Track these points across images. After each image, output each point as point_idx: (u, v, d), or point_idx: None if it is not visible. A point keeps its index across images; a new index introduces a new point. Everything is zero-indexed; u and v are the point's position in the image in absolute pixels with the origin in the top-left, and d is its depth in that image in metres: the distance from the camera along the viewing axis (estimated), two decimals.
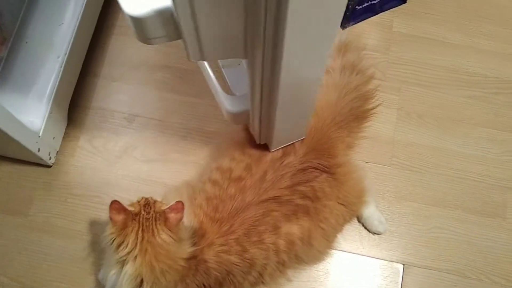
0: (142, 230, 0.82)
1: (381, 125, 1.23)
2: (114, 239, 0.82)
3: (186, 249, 0.85)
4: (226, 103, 0.92)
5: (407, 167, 1.20)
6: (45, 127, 1.10)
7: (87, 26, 1.25)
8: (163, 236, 0.82)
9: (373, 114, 1.13)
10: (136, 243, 0.81)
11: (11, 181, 1.17)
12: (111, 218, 0.82)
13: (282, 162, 0.95)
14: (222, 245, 0.89)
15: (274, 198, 0.93)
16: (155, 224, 0.82)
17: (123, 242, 0.82)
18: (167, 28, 0.63)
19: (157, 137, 1.22)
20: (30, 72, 1.15)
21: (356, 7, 1.29)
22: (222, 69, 1.16)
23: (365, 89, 1.12)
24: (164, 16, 0.61)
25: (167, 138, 1.22)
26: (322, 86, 1.01)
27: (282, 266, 0.98)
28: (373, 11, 1.34)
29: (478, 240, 1.14)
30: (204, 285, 0.89)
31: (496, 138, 1.23)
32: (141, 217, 0.83)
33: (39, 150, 1.09)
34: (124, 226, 0.82)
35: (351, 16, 1.31)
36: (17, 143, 1.00)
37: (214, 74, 0.98)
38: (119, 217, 0.82)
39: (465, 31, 1.35)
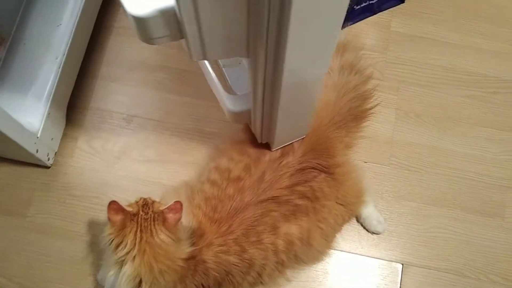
0: (141, 230, 0.82)
1: (379, 124, 1.23)
2: (113, 239, 0.82)
3: (185, 249, 0.85)
4: (228, 103, 0.92)
5: (405, 166, 1.20)
6: (43, 128, 1.10)
7: (85, 26, 1.25)
8: (162, 236, 0.82)
9: (371, 114, 1.13)
10: (135, 244, 0.81)
11: (9, 182, 1.17)
12: (109, 219, 0.82)
13: (280, 162, 0.95)
14: (220, 245, 0.89)
15: (273, 198, 0.93)
16: (154, 225, 0.82)
17: (121, 242, 0.81)
18: (170, 28, 0.63)
19: (156, 138, 1.22)
20: (28, 73, 1.14)
21: (354, 7, 1.29)
22: (223, 69, 1.16)
23: (364, 89, 1.12)
24: (167, 15, 0.61)
25: (165, 138, 1.22)
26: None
27: (281, 266, 0.97)
28: (371, 11, 1.34)
29: (477, 240, 1.14)
30: (203, 285, 0.89)
31: (495, 137, 1.23)
32: (139, 217, 0.82)
33: (37, 151, 1.09)
34: (123, 227, 0.82)
35: (349, 16, 1.31)
36: (16, 144, 1.00)
37: (215, 73, 0.98)
38: (118, 218, 0.82)
39: (463, 30, 1.35)
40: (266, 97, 0.80)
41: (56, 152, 1.19)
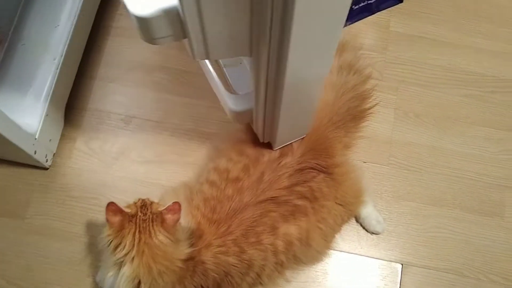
0: (139, 231, 0.81)
1: (378, 124, 1.23)
2: (111, 241, 0.82)
3: (184, 250, 0.85)
4: (229, 102, 0.92)
5: (404, 166, 1.20)
6: (41, 129, 1.09)
7: (83, 27, 1.25)
8: (160, 237, 0.82)
9: (370, 113, 1.13)
10: (133, 245, 0.81)
11: (7, 183, 1.17)
12: (107, 220, 0.82)
13: (279, 163, 0.95)
14: (219, 246, 0.89)
15: (272, 199, 0.92)
16: (152, 226, 0.82)
17: (120, 243, 0.81)
18: (172, 28, 0.63)
19: (154, 139, 1.22)
20: (26, 74, 1.14)
21: (353, 6, 1.29)
22: (224, 69, 1.16)
23: (362, 88, 1.12)
24: (170, 15, 0.61)
25: (164, 139, 1.22)
26: None
27: (280, 267, 0.97)
28: (369, 10, 1.34)
29: (476, 239, 1.14)
30: (202, 286, 0.89)
31: (493, 137, 1.23)
32: (138, 218, 0.82)
33: (35, 153, 1.08)
34: (121, 228, 0.82)
35: (348, 16, 1.30)
36: (14, 146, 1.00)
37: (216, 73, 0.98)
38: (116, 219, 0.82)
39: (462, 30, 1.35)
40: (268, 96, 0.80)
41: (54, 153, 1.19)
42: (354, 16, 1.32)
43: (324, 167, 0.97)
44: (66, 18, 1.19)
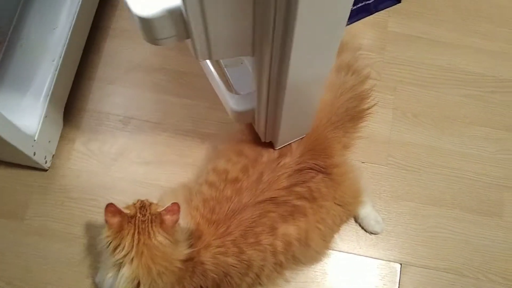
0: (138, 232, 0.82)
1: (377, 125, 1.23)
2: (110, 242, 0.82)
3: (183, 251, 0.85)
4: (231, 102, 0.93)
5: (403, 166, 1.20)
6: (40, 130, 1.09)
7: (82, 29, 1.25)
8: (159, 238, 0.82)
9: (368, 114, 1.14)
10: (132, 246, 0.81)
11: (6, 185, 1.17)
12: (106, 221, 0.82)
13: (278, 163, 0.95)
14: (219, 246, 0.89)
15: (271, 199, 0.93)
16: (151, 226, 0.82)
17: (119, 245, 0.82)
18: (176, 28, 0.63)
19: (153, 139, 1.22)
20: (25, 76, 1.14)
21: (351, 7, 1.29)
22: (225, 69, 1.16)
23: (361, 89, 1.12)
24: (173, 16, 0.61)
25: (163, 140, 1.22)
26: None
27: (279, 267, 0.97)
28: (367, 11, 1.35)
29: (475, 239, 1.14)
30: (201, 287, 0.89)
31: (492, 136, 1.23)
32: (137, 219, 0.82)
33: (34, 154, 1.08)
34: (120, 229, 0.82)
35: None
36: (13, 147, 1.00)
37: (218, 74, 0.98)
38: (115, 220, 0.82)
39: (460, 30, 1.35)
40: (270, 96, 0.80)
41: (53, 155, 1.19)
42: (352, 16, 1.33)
43: (322, 168, 0.97)
44: (64, 20, 1.19)
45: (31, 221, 1.14)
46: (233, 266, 0.90)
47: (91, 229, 1.13)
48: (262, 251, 0.92)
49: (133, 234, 0.81)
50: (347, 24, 1.34)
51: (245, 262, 0.91)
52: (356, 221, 1.14)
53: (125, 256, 0.81)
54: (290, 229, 0.93)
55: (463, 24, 1.35)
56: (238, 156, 0.99)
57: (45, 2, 1.23)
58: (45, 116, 1.11)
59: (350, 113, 1.07)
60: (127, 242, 0.81)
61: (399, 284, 1.10)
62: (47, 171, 1.18)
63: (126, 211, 0.84)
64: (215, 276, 0.89)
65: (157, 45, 0.66)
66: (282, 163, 0.95)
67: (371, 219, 1.12)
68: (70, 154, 1.20)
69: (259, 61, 0.71)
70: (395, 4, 1.37)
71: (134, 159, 1.20)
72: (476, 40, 1.34)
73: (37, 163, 1.12)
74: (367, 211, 1.12)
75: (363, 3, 1.31)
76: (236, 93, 0.98)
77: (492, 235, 1.14)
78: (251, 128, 1.03)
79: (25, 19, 1.21)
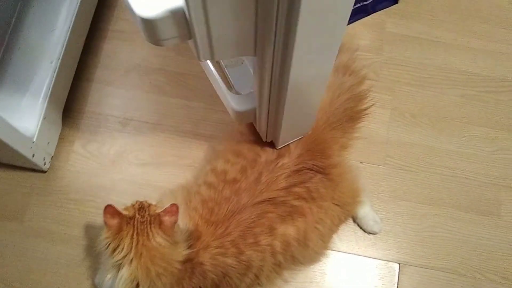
0: (137, 233, 0.82)
1: (374, 125, 1.23)
2: (109, 243, 0.82)
3: (182, 252, 0.85)
4: (232, 102, 0.93)
5: (401, 166, 1.20)
6: (39, 132, 1.10)
7: (80, 30, 1.25)
8: (158, 239, 0.82)
9: (366, 114, 1.14)
10: (131, 247, 0.81)
11: (5, 187, 1.17)
12: (105, 223, 0.82)
13: (276, 164, 0.96)
14: (218, 247, 0.89)
15: (269, 200, 0.93)
16: (150, 228, 0.82)
17: (118, 246, 0.82)
18: (178, 29, 0.63)
19: (152, 141, 1.22)
20: (23, 77, 1.14)
21: None
22: (225, 69, 1.16)
23: (359, 89, 1.12)
24: (176, 16, 0.61)
25: (161, 141, 1.22)
26: None
27: (278, 268, 0.98)
28: (365, 11, 1.35)
29: (472, 238, 1.14)
30: None
31: (489, 136, 1.24)
32: (135, 220, 0.83)
33: (33, 156, 1.08)
34: (119, 230, 0.82)
35: None
36: (11, 149, 1.00)
37: (218, 74, 0.98)
38: (114, 221, 0.82)
39: (457, 30, 1.35)
40: (272, 96, 0.80)
41: (52, 156, 1.19)
42: (350, 17, 1.32)
43: (321, 168, 0.97)
44: (63, 21, 1.19)
45: (30, 223, 1.14)
46: (232, 267, 0.90)
47: (90, 230, 1.13)
48: (261, 252, 0.92)
49: (132, 235, 0.81)
50: None
51: (244, 262, 0.91)
52: (354, 221, 1.14)
53: (124, 257, 0.81)
54: (288, 230, 0.94)
55: (460, 25, 1.36)
56: (237, 157, 0.99)
57: (43, 4, 1.23)
58: (44, 118, 1.11)
59: (348, 114, 1.08)
60: (126, 243, 0.81)
61: (397, 283, 1.10)
62: (46, 173, 1.18)
63: (125, 212, 0.84)
64: (214, 276, 0.89)
65: (160, 45, 0.66)
66: (280, 163, 0.95)
67: (369, 219, 1.12)
68: (69, 156, 1.20)
69: (261, 60, 0.72)
70: (393, 4, 1.37)
71: (133, 161, 1.20)
72: (472, 40, 1.34)
73: (36, 164, 1.12)
74: (365, 211, 1.12)
75: (361, 4, 1.31)
76: (237, 93, 0.99)
77: (489, 234, 1.15)
78: (249, 129, 1.04)
79: (23, 22, 1.21)
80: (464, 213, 1.16)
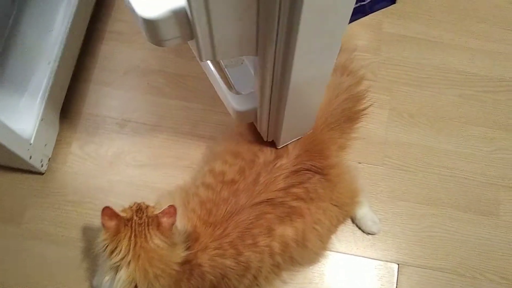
0: (135, 235, 0.81)
1: (373, 125, 1.23)
2: (107, 245, 0.82)
3: (180, 254, 0.85)
4: (233, 102, 0.93)
5: (399, 166, 1.20)
6: (36, 134, 1.09)
7: (77, 32, 1.25)
8: (156, 241, 0.82)
9: (365, 114, 1.14)
10: (129, 249, 0.81)
11: (3, 189, 1.17)
12: (103, 224, 0.82)
13: (275, 165, 0.95)
14: (216, 248, 0.89)
15: (268, 201, 0.93)
16: (148, 229, 0.82)
17: (116, 248, 0.81)
18: (180, 29, 0.63)
19: (150, 142, 1.22)
20: (20, 79, 1.14)
21: None
22: (225, 69, 1.16)
23: (357, 90, 1.12)
24: (178, 17, 0.61)
25: (159, 142, 1.22)
26: None
27: (277, 269, 0.97)
28: (363, 12, 1.35)
29: (471, 238, 1.14)
30: None
31: (487, 136, 1.24)
32: (133, 222, 0.82)
33: (30, 158, 1.08)
34: (117, 232, 0.82)
35: None
36: (8, 151, 0.99)
37: (219, 74, 0.98)
38: (112, 223, 0.82)
39: (455, 30, 1.35)
40: (273, 95, 0.80)
41: (49, 158, 1.18)
42: None
43: (319, 168, 0.97)
44: (60, 23, 1.19)
45: (28, 225, 1.13)
46: (231, 268, 0.90)
47: (88, 232, 1.13)
48: (259, 253, 0.92)
49: (130, 237, 0.81)
50: None
51: (242, 263, 0.91)
52: (353, 221, 1.14)
53: (122, 259, 0.81)
54: (287, 230, 0.93)
55: (457, 25, 1.36)
56: (235, 158, 0.99)
57: (41, 4, 1.22)
58: (41, 119, 1.11)
59: (346, 114, 1.08)
60: (124, 245, 0.81)
61: (396, 284, 1.10)
62: (44, 175, 1.18)
63: (123, 214, 0.84)
64: (212, 278, 0.89)
65: (161, 46, 0.66)
66: (278, 164, 0.95)
67: (368, 220, 1.12)
68: (66, 157, 1.20)
69: (263, 60, 0.72)
70: (390, 5, 1.37)
71: (131, 162, 1.20)
72: (469, 40, 1.34)
73: (33, 166, 1.12)
74: (364, 212, 1.12)
75: (358, 4, 1.31)
76: (237, 93, 0.99)
77: (488, 234, 1.15)
78: (248, 129, 1.03)
79: (20, 23, 1.20)
80: (462, 213, 1.16)
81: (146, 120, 1.24)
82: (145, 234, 0.82)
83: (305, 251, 0.99)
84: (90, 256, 1.10)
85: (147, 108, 1.25)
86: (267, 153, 0.98)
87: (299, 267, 1.08)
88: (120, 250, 0.81)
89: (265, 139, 0.99)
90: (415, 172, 1.20)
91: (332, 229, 1.05)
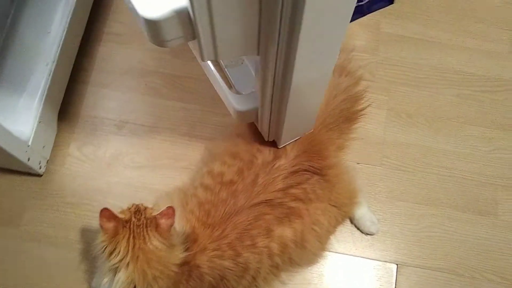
0: (133, 237, 0.81)
1: (371, 126, 1.23)
2: (106, 247, 0.82)
3: (178, 255, 0.85)
4: (234, 102, 0.93)
5: (398, 167, 1.20)
6: (34, 136, 1.09)
7: (75, 33, 1.24)
8: (155, 242, 0.82)
9: (363, 115, 1.14)
10: (128, 250, 0.81)
11: (1, 191, 1.16)
12: (101, 226, 0.82)
13: (273, 165, 0.95)
14: (215, 250, 0.89)
15: (266, 202, 0.93)
16: (146, 231, 0.82)
17: (114, 249, 0.81)
18: (183, 29, 0.63)
19: (148, 143, 1.22)
20: (18, 81, 1.14)
21: None
22: (225, 69, 1.17)
23: (355, 90, 1.12)
24: (180, 17, 0.61)
25: (157, 144, 1.22)
26: None
27: (276, 269, 0.97)
28: (361, 12, 1.35)
29: (470, 238, 1.14)
30: None
31: (485, 135, 1.24)
32: (132, 224, 0.82)
33: (29, 160, 1.08)
34: (115, 234, 0.82)
35: None
36: (6, 153, 0.99)
37: (219, 74, 0.98)
38: (110, 225, 0.82)
39: (452, 30, 1.36)
40: (275, 95, 0.80)
41: (48, 160, 1.18)
42: None
43: (317, 169, 0.97)
44: (58, 24, 1.19)
45: (26, 227, 1.13)
46: (230, 269, 0.90)
47: (86, 234, 1.13)
48: (258, 254, 0.92)
49: (128, 238, 0.81)
50: None
51: (241, 265, 0.91)
52: (351, 222, 1.14)
53: (120, 260, 0.81)
54: (286, 231, 0.93)
55: (455, 25, 1.36)
56: (233, 159, 0.99)
57: (38, 6, 1.22)
58: (39, 121, 1.10)
59: (344, 115, 1.08)
60: (122, 246, 0.81)
61: (395, 284, 1.10)
62: (42, 177, 1.17)
63: (121, 215, 0.84)
64: (211, 279, 0.89)
65: (163, 47, 0.66)
66: (277, 165, 0.95)
67: (366, 220, 1.12)
68: (64, 159, 1.20)
69: (264, 60, 0.72)
70: (388, 5, 1.37)
71: (129, 163, 1.20)
72: (467, 40, 1.34)
73: (32, 168, 1.11)
74: (362, 212, 1.12)
75: (356, 5, 1.31)
76: (237, 93, 0.99)
77: (487, 234, 1.15)
78: (246, 130, 1.03)
79: (18, 24, 1.20)
80: (461, 213, 1.16)
81: (144, 122, 1.24)
82: (143, 236, 0.82)
83: (304, 252, 0.99)
84: (89, 257, 1.10)
85: (145, 110, 1.25)
86: (265, 154, 0.98)
87: (297, 268, 1.08)
88: (119, 252, 0.81)
89: (266, 139, 0.99)
90: (414, 172, 1.20)
91: (330, 229, 1.05)
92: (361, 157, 1.20)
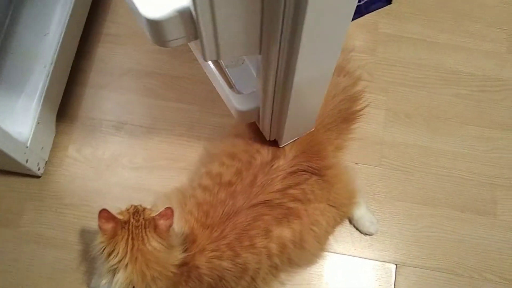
0: (132, 238, 0.81)
1: (369, 126, 1.24)
2: (104, 248, 0.82)
3: (177, 256, 0.85)
4: (235, 102, 0.93)
5: (396, 167, 1.20)
6: (33, 137, 1.09)
7: (73, 35, 1.24)
8: (153, 243, 0.82)
9: (361, 115, 1.14)
10: (127, 251, 0.81)
11: (0, 193, 1.16)
12: (100, 227, 0.82)
13: (272, 166, 0.95)
14: (213, 250, 0.89)
15: (265, 202, 0.93)
16: (145, 232, 0.82)
17: (113, 250, 0.81)
18: (185, 29, 0.63)
19: (146, 144, 1.22)
20: (16, 82, 1.14)
21: None
22: (226, 69, 1.17)
23: (353, 90, 1.12)
24: (183, 16, 0.61)
25: (156, 145, 1.22)
26: None
27: (275, 270, 0.97)
28: (358, 12, 1.35)
29: (469, 238, 1.14)
30: None
31: (483, 135, 1.24)
32: (130, 225, 0.82)
33: (27, 161, 1.08)
34: (114, 235, 0.82)
35: None
36: (5, 154, 0.99)
37: (220, 74, 0.98)
38: (109, 226, 0.82)
39: (450, 30, 1.36)
40: (276, 94, 0.80)
41: (46, 161, 1.18)
42: None
43: (316, 169, 0.97)
44: (55, 26, 1.19)
45: (25, 229, 1.13)
46: (228, 270, 0.90)
47: (85, 235, 1.12)
48: (257, 254, 0.92)
49: (127, 239, 0.81)
50: None
51: (240, 265, 0.91)
52: (350, 222, 1.14)
53: (119, 262, 0.81)
54: (284, 232, 0.93)
55: (453, 25, 1.36)
56: (232, 159, 0.99)
57: (36, 8, 1.22)
58: (38, 123, 1.10)
59: (343, 115, 1.08)
60: (121, 247, 0.81)
61: (394, 284, 1.10)
62: (40, 178, 1.17)
63: (120, 216, 0.84)
64: (210, 280, 0.89)
65: (165, 47, 0.65)
66: (275, 165, 0.95)
67: (365, 220, 1.12)
68: (63, 161, 1.19)
69: (266, 59, 0.72)
70: (386, 5, 1.37)
71: (127, 164, 1.20)
72: (465, 40, 1.35)
73: (30, 170, 1.11)
74: (361, 212, 1.12)
75: None
76: (238, 93, 0.99)
77: (486, 233, 1.15)
78: (244, 131, 1.03)
79: (15, 26, 1.20)
80: (460, 212, 1.16)
81: (142, 123, 1.24)
82: (142, 237, 0.82)
83: (303, 252, 0.99)
84: (88, 259, 1.09)
85: (143, 111, 1.25)
86: (264, 155, 0.98)
87: (296, 268, 1.08)
88: (118, 253, 0.81)
89: (267, 139, 0.99)
90: (412, 172, 1.20)
91: (329, 230, 1.05)
92: (359, 157, 1.20)
